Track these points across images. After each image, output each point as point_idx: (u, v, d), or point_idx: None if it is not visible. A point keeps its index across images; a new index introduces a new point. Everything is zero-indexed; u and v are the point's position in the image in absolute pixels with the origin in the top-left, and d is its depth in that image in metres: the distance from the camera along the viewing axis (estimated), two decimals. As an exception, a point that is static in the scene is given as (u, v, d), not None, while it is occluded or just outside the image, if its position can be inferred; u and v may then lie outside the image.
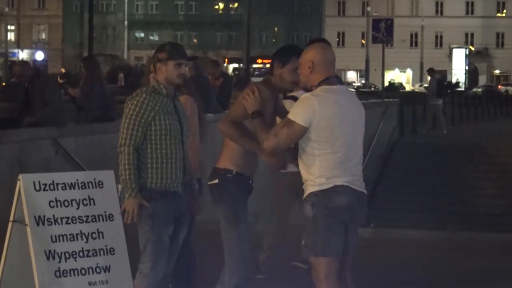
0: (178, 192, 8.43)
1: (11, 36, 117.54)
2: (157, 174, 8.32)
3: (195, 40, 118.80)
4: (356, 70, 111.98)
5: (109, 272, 9.15)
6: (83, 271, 9.07)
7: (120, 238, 9.34)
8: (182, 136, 8.47)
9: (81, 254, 9.09)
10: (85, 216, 9.18)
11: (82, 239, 9.16)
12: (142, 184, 8.29)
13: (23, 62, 19.23)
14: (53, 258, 9.00)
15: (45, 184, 9.23)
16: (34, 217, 8.94)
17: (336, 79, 8.19)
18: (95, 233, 9.21)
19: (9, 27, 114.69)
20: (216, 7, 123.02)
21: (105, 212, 9.30)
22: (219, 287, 8.28)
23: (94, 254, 9.15)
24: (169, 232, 8.33)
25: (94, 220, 9.26)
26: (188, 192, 8.65)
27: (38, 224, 8.99)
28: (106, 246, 9.23)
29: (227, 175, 8.18)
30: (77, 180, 9.27)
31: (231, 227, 8.09)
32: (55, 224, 9.11)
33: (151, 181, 8.30)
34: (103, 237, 9.21)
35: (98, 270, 9.14)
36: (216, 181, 8.20)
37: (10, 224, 9.15)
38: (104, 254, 9.19)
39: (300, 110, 7.61)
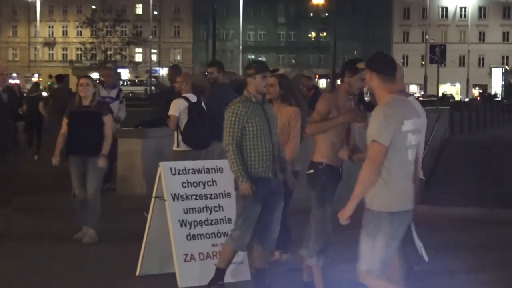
0: (269, 178, 8.41)
1: (154, 57, 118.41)
2: (252, 164, 8.35)
3: (293, 61, 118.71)
4: (417, 84, 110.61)
5: (227, 236, 9.25)
6: (207, 236, 9.15)
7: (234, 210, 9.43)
8: (270, 133, 8.45)
9: (206, 222, 9.18)
10: (209, 194, 9.26)
11: (207, 212, 9.25)
12: None
13: (175, 66, 19.07)
14: (185, 225, 9.11)
15: (179, 170, 9.35)
16: (171, 194, 9.05)
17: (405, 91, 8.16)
18: (216, 207, 9.29)
19: (152, 50, 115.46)
20: (310, 35, 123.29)
21: (224, 191, 9.37)
22: (304, 249, 8.22)
23: (216, 223, 9.23)
24: (257, 209, 8.33)
25: (216, 197, 9.35)
26: (283, 176, 8.66)
27: (173, 200, 9.10)
28: (225, 216, 9.29)
29: (319, 166, 8.12)
30: (203, 166, 9.36)
31: (320, 207, 8.05)
32: (186, 200, 9.21)
33: (248, 169, 8.33)
34: (222, 210, 9.29)
35: (219, 235, 9.21)
36: (312, 171, 8.16)
37: (153, 199, 9.28)
38: (223, 223, 9.26)
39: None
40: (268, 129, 8.42)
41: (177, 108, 12.22)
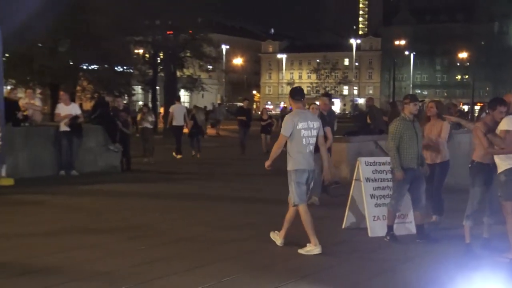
0: (414, 168, 8.54)
1: (355, 91, 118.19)
2: (404, 159, 8.49)
3: (445, 94, 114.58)
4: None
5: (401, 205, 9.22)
6: (386, 204, 9.11)
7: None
8: (417, 140, 8.57)
9: (387, 196, 9.11)
10: (390, 179, 9.12)
11: (388, 189, 9.18)
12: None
13: (370, 98, 19.18)
14: (374, 198, 9.11)
15: (370, 162, 9.35)
16: (365, 178, 9.08)
17: None
18: (389, 187, 9.20)
19: (354, 87, 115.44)
20: (456, 77, 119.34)
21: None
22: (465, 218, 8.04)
23: (388, 196, 9.16)
24: (406, 187, 8.57)
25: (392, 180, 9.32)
26: (422, 167, 8.75)
27: (367, 181, 9.11)
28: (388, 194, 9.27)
29: (473, 163, 7.91)
30: (386, 160, 9.29)
31: (476, 192, 7.78)
32: (375, 181, 9.20)
33: (401, 162, 8.48)
34: (389, 190, 9.21)
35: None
36: (470, 166, 7.98)
37: (353, 181, 9.32)
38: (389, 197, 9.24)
39: None
40: (416, 138, 8.59)
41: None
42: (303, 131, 7.76)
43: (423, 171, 8.82)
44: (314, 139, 7.91)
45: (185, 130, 21.73)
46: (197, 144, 21.47)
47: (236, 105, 75.48)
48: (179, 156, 20.96)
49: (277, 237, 8.14)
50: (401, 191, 8.58)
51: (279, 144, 7.87)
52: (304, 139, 7.78)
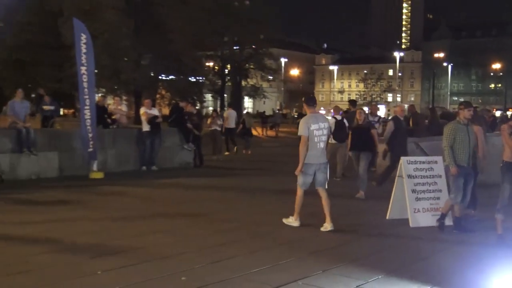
0: (465, 166, 8.24)
1: (398, 98, 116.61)
2: (458, 157, 8.22)
3: (480, 100, 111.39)
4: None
5: (439, 199, 8.92)
6: (427, 198, 8.89)
7: (443, 185, 9.08)
8: (469, 141, 8.28)
9: (427, 191, 8.93)
10: (428, 175, 8.99)
11: (427, 185, 8.99)
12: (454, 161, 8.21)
13: (411, 105, 19.18)
14: (415, 192, 8.89)
15: (412, 161, 9.13)
16: (407, 175, 8.88)
17: None
18: (433, 183, 9.01)
19: (397, 95, 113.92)
20: (490, 86, 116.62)
21: (438, 173, 9.06)
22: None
23: (432, 191, 8.94)
24: (461, 181, 8.24)
25: (432, 177, 9.05)
26: (472, 164, 8.42)
27: (408, 178, 8.91)
28: (437, 188, 9.00)
29: (503, 163, 7.67)
30: (426, 160, 9.11)
31: (505, 188, 7.54)
32: (416, 178, 8.97)
33: (455, 160, 8.21)
34: (437, 184, 9.00)
35: (434, 198, 8.94)
36: (501, 164, 7.76)
37: (396, 178, 9.14)
38: (436, 192, 8.98)
39: None
40: (468, 139, 8.30)
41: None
42: (315, 131, 8.19)
43: (478, 170, 8.59)
44: (325, 137, 8.30)
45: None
46: (246, 143, 22.16)
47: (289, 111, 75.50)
48: (226, 153, 21.26)
49: (290, 220, 8.53)
50: (458, 184, 8.29)
51: (303, 143, 8.18)
52: (316, 138, 8.19)
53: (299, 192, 8.40)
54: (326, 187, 8.35)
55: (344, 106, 22.33)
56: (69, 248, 6.82)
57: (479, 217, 9.34)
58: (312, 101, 8.58)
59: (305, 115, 8.83)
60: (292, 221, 8.42)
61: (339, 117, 14.17)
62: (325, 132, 8.27)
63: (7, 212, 9.12)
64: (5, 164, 12.90)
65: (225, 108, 22.35)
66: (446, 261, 6.71)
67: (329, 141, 13.79)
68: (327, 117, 10.56)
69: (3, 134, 13.16)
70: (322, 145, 8.23)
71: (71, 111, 56.88)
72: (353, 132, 11.81)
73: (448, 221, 8.65)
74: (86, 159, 13.93)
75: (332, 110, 12.00)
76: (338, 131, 13.70)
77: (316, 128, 8.19)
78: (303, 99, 8.79)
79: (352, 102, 16.91)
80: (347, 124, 13.95)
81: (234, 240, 7.44)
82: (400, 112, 12.93)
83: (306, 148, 8.14)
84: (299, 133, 8.27)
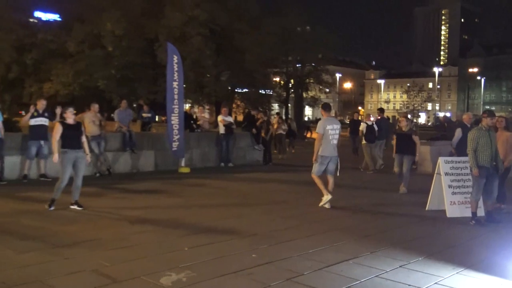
0: (488, 166, 7.84)
1: (437, 107, 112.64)
2: (480, 160, 7.83)
3: (509, 109, 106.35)
4: None
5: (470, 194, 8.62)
6: (461, 193, 8.60)
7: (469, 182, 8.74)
8: (491, 146, 7.86)
9: (461, 187, 8.64)
10: (463, 173, 8.68)
11: (462, 182, 8.70)
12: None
13: (444, 116, 18.40)
14: (451, 188, 8.62)
15: (449, 161, 8.86)
16: (444, 172, 8.60)
17: None
18: (467, 180, 8.66)
19: (436, 104, 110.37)
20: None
21: (468, 173, 8.71)
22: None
23: (465, 187, 8.62)
24: (483, 181, 7.86)
25: (466, 174, 8.69)
26: (495, 166, 7.96)
27: (446, 175, 8.65)
28: (470, 184, 8.65)
29: None
30: (461, 160, 8.77)
31: None
32: (452, 175, 8.71)
33: (478, 162, 7.83)
34: (469, 181, 8.62)
35: (467, 193, 8.59)
36: None
37: (435, 175, 8.87)
38: (468, 187, 8.64)
39: None
40: (490, 144, 7.90)
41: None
42: (329, 131, 8.74)
43: (499, 170, 8.20)
44: (337, 135, 8.80)
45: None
46: (291, 144, 22.36)
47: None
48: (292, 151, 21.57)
49: (323, 199, 8.77)
50: (479, 184, 7.94)
51: (318, 139, 8.78)
52: (330, 136, 8.73)
53: (315, 178, 8.88)
54: (338, 174, 8.90)
55: (390, 114, 21.80)
56: (163, 228, 6.99)
57: (507, 209, 8.96)
58: (328, 107, 9.10)
59: (356, 120, 8.95)
60: (325, 198, 8.73)
61: (370, 123, 14.75)
62: (337, 132, 8.81)
63: (118, 199, 9.45)
64: (112, 160, 13.37)
65: (289, 116, 22.51)
66: (477, 247, 6.49)
67: (362, 142, 14.45)
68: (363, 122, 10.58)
69: (111, 136, 13.62)
70: (335, 142, 8.78)
71: (164, 118, 58.16)
72: (398, 137, 11.51)
73: (480, 212, 8.34)
74: (176, 157, 14.19)
75: (399, 119, 12.06)
76: (368, 134, 14.47)
77: (331, 129, 8.75)
78: (320, 105, 9.43)
79: (381, 110, 16.65)
80: (376, 128, 14.48)
81: (296, 225, 7.42)
82: (468, 120, 12.41)
83: (319, 143, 8.73)
84: (316, 131, 8.86)
